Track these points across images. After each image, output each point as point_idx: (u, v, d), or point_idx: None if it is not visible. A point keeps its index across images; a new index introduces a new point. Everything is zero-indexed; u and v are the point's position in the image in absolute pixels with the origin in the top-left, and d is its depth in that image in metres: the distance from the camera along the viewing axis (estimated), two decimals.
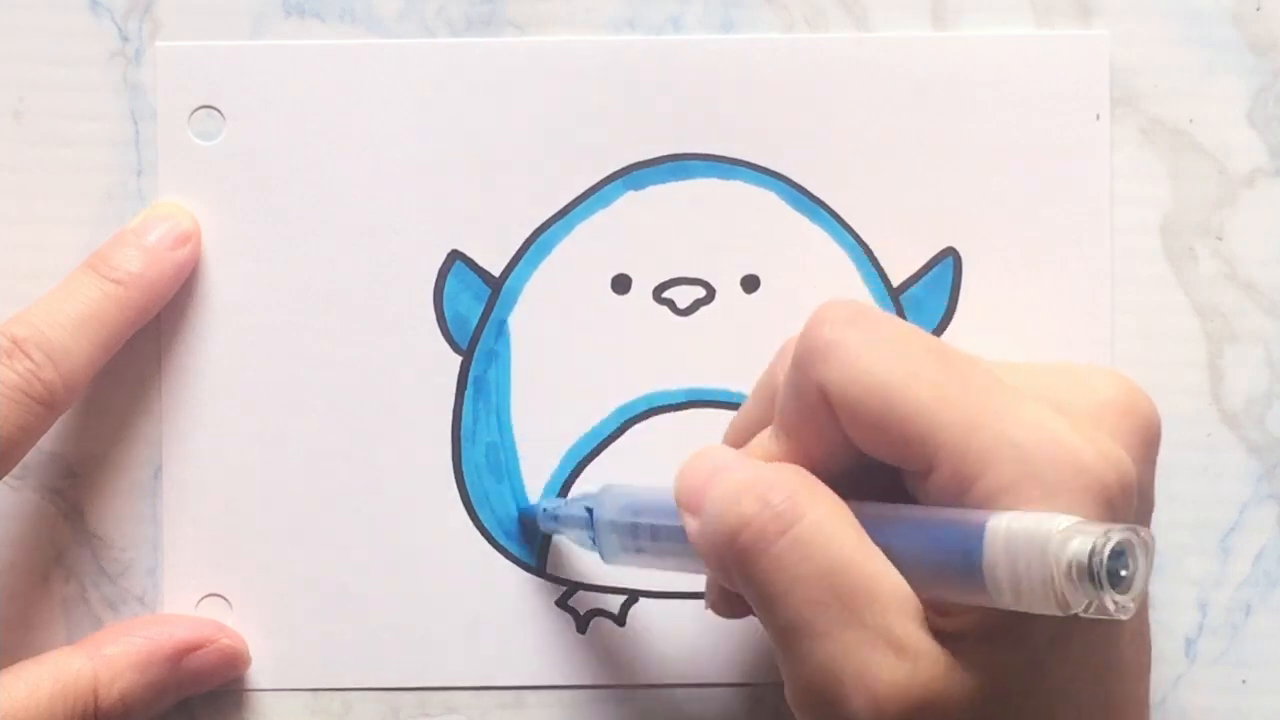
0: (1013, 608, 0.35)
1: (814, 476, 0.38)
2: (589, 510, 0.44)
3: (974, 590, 0.36)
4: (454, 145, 0.47)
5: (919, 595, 0.37)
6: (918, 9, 0.48)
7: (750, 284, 0.47)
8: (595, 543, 0.44)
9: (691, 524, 0.39)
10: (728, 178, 0.47)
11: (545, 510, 0.46)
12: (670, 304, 0.47)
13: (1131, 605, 0.34)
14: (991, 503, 0.36)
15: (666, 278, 0.47)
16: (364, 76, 0.47)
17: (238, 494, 0.47)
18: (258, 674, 0.47)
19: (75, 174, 0.47)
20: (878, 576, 0.36)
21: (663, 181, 0.47)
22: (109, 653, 0.45)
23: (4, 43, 0.47)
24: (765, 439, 0.40)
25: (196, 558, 0.47)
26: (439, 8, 0.48)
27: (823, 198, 0.47)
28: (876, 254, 0.47)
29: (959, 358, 0.38)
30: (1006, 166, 0.47)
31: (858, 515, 0.38)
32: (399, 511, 0.47)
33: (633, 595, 0.47)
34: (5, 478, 0.44)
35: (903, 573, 0.37)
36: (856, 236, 0.47)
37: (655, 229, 0.47)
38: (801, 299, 0.47)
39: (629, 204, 0.47)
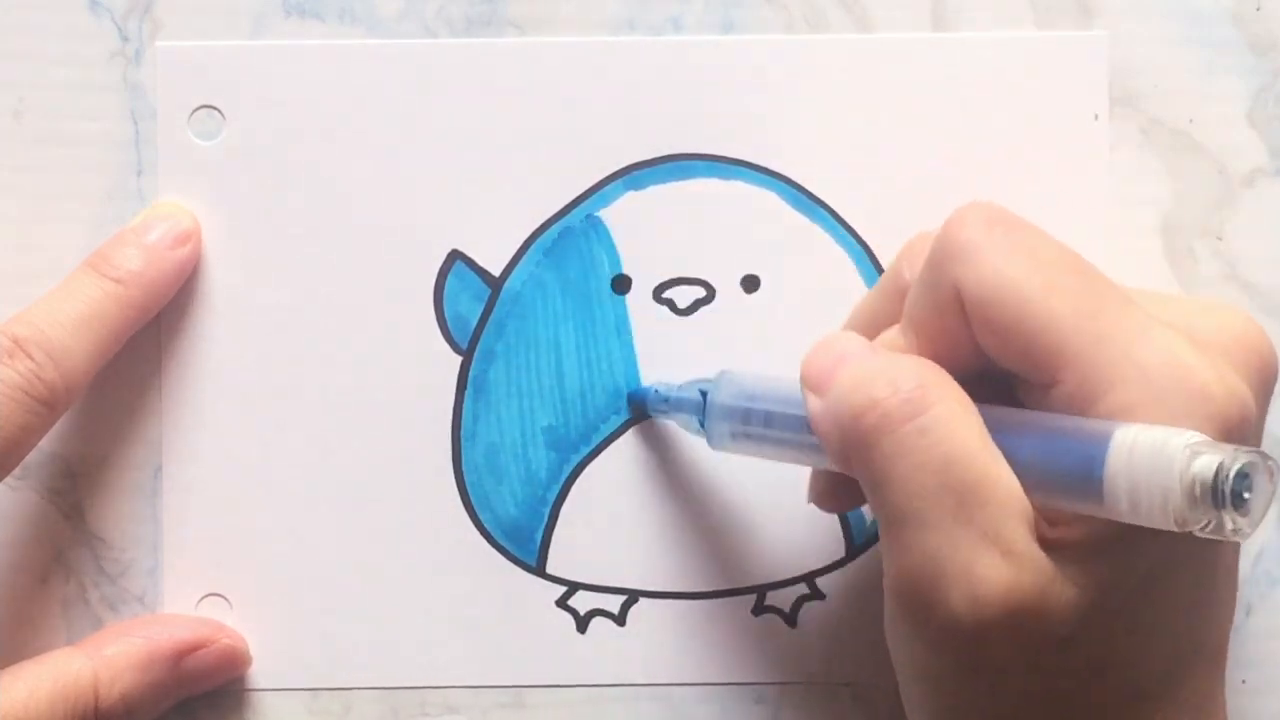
0: (1128, 519, 0.35)
1: (944, 371, 0.38)
2: (703, 393, 0.44)
3: (1091, 498, 0.36)
4: (454, 145, 0.47)
5: (1032, 500, 0.37)
6: (918, 9, 0.48)
7: (750, 284, 0.47)
8: (704, 426, 0.44)
9: (815, 403, 0.39)
10: (728, 178, 0.47)
11: (657, 392, 0.46)
12: (670, 304, 0.47)
13: (1248, 529, 0.35)
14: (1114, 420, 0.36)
15: (666, 278, 0.47)
16: (364, 76, 0.47)
17: (238, 494, 0.47)
18: (258, 674, 0.47)
19: (75, 174, 0.47)
20: (995, 478, 0.37)
21: (663, 181, 0.47)
22: (109, 653, 0.45)
23: (4, 43, 0.47)
24: (893, 335, 0.41)
25: (196, 558, 0.47)
26: (439, 8, 0.48)
27: (823, 198, 0.47)
28: (876, 254, 0.47)
29: (1097, 275, 0.38)
30: (1006, 166, 0.47)
31: (983, 415, 0.38)
32: (399, 511, 0.47)
33: (633, 595, 0.47)
34: (5, 478, 0.44)
35: (1019, 475, 0.37)
36: (856, 236, 0.47)
37: (655, 229, 0.47)
38: (801, 299, 0.47)
39: (629, 204, 0.47)
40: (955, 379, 0.39)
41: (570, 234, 0.47)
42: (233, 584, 0.47)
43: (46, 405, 0.44)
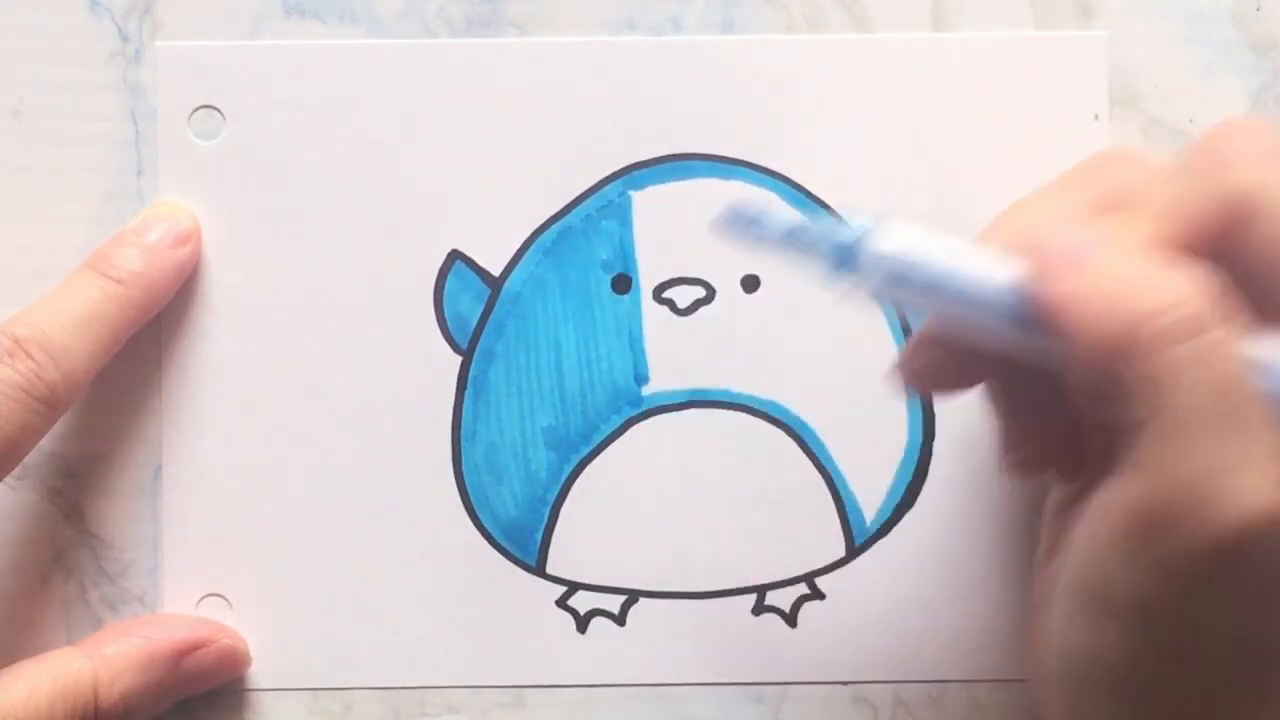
0: None
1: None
2: (849, 239, 0.38)
3: None
4: (454, 145, 0.47)
5: None
6: (918, 9, 0.48)
7: (750, 284, 0.47)
8: (847, 271, 0.39)
9: (1063, 284, 0.37)
10: (728, 178, 0.47)
11: (791, 231, 0.39)
12: (670, 304, 0.47)
13: None
14: None
15: (666, 278, 0.47)
16: (364, 76, 0.47)
17: (238, 494, 0.47)
18: (258, 674, 0.47)
19: (75, 174, 0.47)
20: (1259, 403, 0.36)
21: (663, 181, 0.47)
22: (109, 653, 0.45)
23: (4, 43, 0.47)
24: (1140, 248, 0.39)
25: (196, 558, 0.47)
26: (439, 8, 0.48)
27: (823, 198, 0.47)
28: None
29: None
30: (1007, 167, 0.47)
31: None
32: (399, 511, 0.47)
33: (633, 595, 0.47)
34: (5, 478, 0.44)
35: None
36: None
37: (655, 229, 0.47)
38: (801, 299, 0.47)
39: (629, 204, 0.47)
40: None
41: (570, 234, 0.47)
42: (233, 584, 0.47)
43: (47, 405, 0.44)
